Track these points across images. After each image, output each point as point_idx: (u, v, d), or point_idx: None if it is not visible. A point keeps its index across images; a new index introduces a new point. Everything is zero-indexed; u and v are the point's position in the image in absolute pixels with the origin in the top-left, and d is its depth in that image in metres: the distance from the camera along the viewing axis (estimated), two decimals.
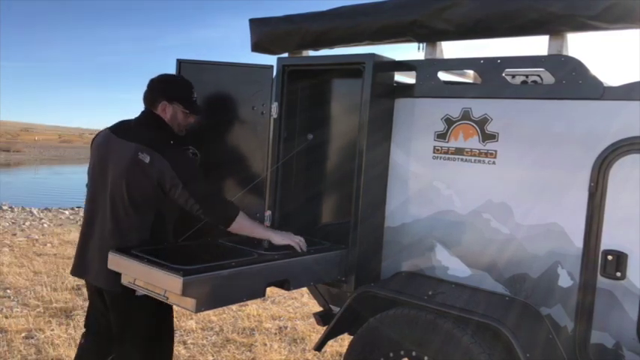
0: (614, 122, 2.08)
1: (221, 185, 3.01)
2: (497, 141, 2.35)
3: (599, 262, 2.12)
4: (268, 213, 2.93)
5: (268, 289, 2.38)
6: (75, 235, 8.55)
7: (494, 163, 2.35)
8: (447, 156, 2.48)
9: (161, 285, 2.13)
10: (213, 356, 4.00)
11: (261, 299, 5.08)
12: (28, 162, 39.72)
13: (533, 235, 2.26)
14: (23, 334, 4.23)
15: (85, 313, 2.82)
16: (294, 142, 3.01)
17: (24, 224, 9.68)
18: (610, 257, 2.09)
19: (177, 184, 2.36)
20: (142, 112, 2.59)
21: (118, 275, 2.33)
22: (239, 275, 2.23)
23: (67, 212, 12.02)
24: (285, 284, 2.43)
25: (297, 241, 2.55)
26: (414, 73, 2.62)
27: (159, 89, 2.57)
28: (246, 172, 3.00)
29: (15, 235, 8.47)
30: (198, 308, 2.10)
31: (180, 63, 3.00)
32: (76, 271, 2.59)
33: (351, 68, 2.67)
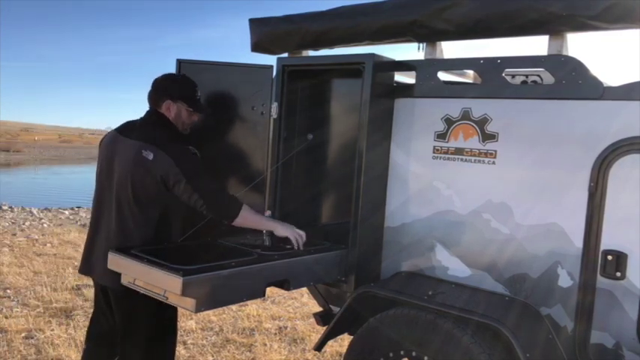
0: (614, 122, 2.08)
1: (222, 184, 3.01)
2: (497, 141, 2.35)
3: (599, 262, 2.12)
4: (268, 213, 2.93)
5: (268, 289, 2.38)
6: (75, 235, 8.55)
7: (494, 163, 2.35)
8: (447, 156, 2.48)
9: (161, 285, 2.13)
10: (213, 356, 4.00)
11: (261, 299, 5.08)
12: (28, 162, 39.72)
13: (533, 235, 2.26)
14: (23, 334, 4.23)
15: (90, 315, 2.82)
16: (294, 142, 3.01)
17: (24, 224, 9.68)
18: (610, 257, 2.09)
19: (181, 180, 2.37)
20: (147, 112, 2.61)
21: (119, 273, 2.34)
22: (239, 275, 2.23)
23: (66, 212, 12.02)
24: (285, 284, 2.43)
25: (296, 236, 2.57)
26: (414, 73, 2.62)
27: (163, 88, 2.59)
28: (246, 172, 3.01)
29: (15, 235, 8.47)
30: (198, 308, 2.10)
31: (180, 63, 3.00)
32: (83, 270, 2.62)
33: (351, 68, 2.67)
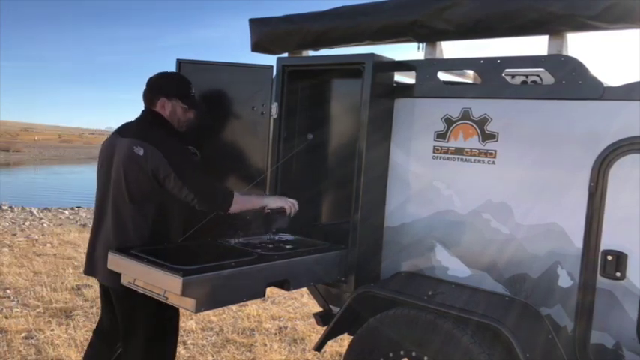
0: (614, 122, 2.08)
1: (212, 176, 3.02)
2: (496, 141, 2.35)
3: (598, 262, 2.12)
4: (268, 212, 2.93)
5: (268, 289, 2.38)
6: (75, 235, 8.56)
7: (493, 163, 2.35)
8: (447, 156, 2.48)
9: (161, 285, 2.13)
10: (213, 356, 4.00)
11: (261, 299, 5.08)
12: (28, 162, 39.72)
13: (533, 235, 2.26)
14: (23, 334, 4.23)
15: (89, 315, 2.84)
16: (294, 142, 3.02)
17: (24, 224, 9.68)
18: (610, 257, 2.09)
19: (170, 174, 2.38)
20: (142, 111, 2.62)
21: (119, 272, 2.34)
22: (239, 275, 2.22)
23: (66, 212, 12.02)
24: (284, 284, 2.43)
25: (289, 205, 2.67)
26: (414, 73, 2.62)
27: (157, 86, 2.59)
28: (246, 172, 3.01)
29: (15, 235, 8.47)
30: (198, 308, 2.10)
31: (180, 63, 3.00)
32: (87, 270, 2.63)
33: (351, 68, 2.67)
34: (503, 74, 2.37)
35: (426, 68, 2.56)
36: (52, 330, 4.33)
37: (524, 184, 2.28)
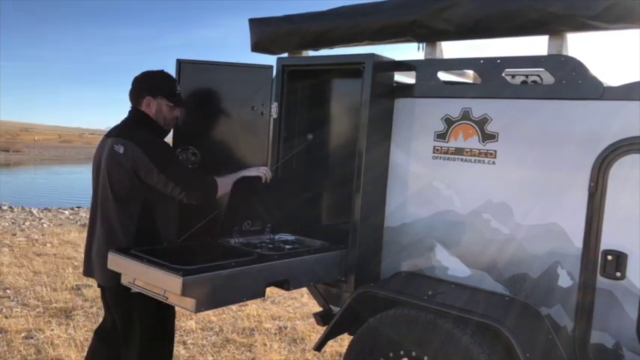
0: (614, 122, 2.08)
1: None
2: (497, 141, 2.35)
3: (598, 262, 2.12)
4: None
5: (268, 289, 2.38)
6: (75, 235, 8.55)
7: (494, 163, 2.35)
8: (447, 156, 2.48)
9: (161, 285, 2.13)
10: (213, 356, 4.00)
11: (261, 299, 5.08)
12: (28, 162, 39.72)
13: (533, 235, 2.26)
14: (23, 334, 4.23)
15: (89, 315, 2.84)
16: (294, 142, 3.02)
17: (24, 224, 9.68)
18: (610, 257, 2.09)
19: (152, 169, 2.39)
20: (129, 110, 2.64)
21: (112, 272, 2.36)
22: (239, 275, 2.23)
23: (66, 212, 12.02)
24: (284, 284, 2.43)
25: (263, 172, 2.73)
26: (413, 73, 2.62)
27: (142, 85, 2.60)
28: None
29: (15, 235, 8.47)
30: (198, 308, 2.10)
31: (180, 63, 3.00)
32: (85, 272, 2.65)
33: (351, 68, 2.67)
34: (503, 74, 2.37)
35: (426, 68, 2.56)
36: (52, 330, 4.33)
37: (525, 184, 2.28)
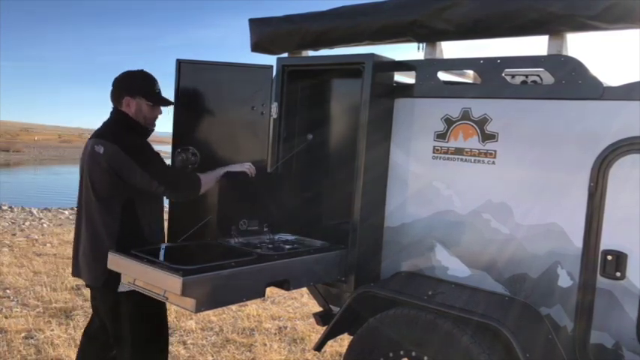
0: (614, 122, 2.08)
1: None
2: (496, 141, 2.35)
3: (598, 262, 2.12)
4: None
5: (268, 289, 2.38)
6: None
7: (493, 163, 2.35)
8: (447, 156, 2.48)
9: (161, 285, 2.13)
10: (212, 356, 4.00)
11: (261, 299, 5.08)
12: (28, 162, 39.70)
13: (533, 235, 2.26)
14: (23, 334, 4.23)
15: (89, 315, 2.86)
16: (294, 142, 3.01)
17: (24, 224, 9.68)
18: (610, 257, 2.09)
19: (135, 169, 2.40)
20: (110, 112, 2.65)
21: (96, 271, 2.41)
22: (239, 275, 2.23)
23: (66, 212, 12.01)
24: (284, 284, 2.43)
25: (247, 167, 2.75)
26: (413, 73, 2.62)
27: (121, 85, 2.61)
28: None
29: (15, 235, 8.47)
30: (198, 308, 2.10)
31: (179, 63, 3.00)
32: (74, 272, 2.67)
33: (351, 68, 2.67)
34: (503, 74, 2.37)
35: (426, 68, 2.56)
36: (52, 330, 4.33)
37: (524, 184, 2.28)
